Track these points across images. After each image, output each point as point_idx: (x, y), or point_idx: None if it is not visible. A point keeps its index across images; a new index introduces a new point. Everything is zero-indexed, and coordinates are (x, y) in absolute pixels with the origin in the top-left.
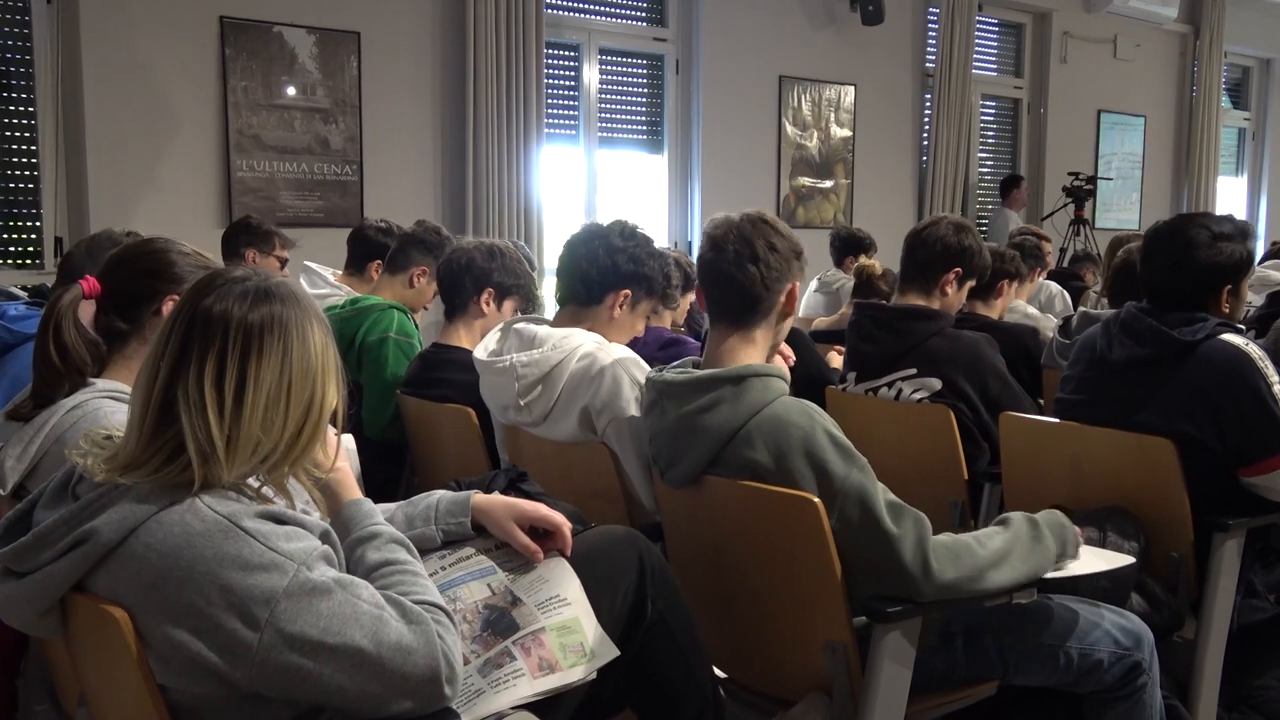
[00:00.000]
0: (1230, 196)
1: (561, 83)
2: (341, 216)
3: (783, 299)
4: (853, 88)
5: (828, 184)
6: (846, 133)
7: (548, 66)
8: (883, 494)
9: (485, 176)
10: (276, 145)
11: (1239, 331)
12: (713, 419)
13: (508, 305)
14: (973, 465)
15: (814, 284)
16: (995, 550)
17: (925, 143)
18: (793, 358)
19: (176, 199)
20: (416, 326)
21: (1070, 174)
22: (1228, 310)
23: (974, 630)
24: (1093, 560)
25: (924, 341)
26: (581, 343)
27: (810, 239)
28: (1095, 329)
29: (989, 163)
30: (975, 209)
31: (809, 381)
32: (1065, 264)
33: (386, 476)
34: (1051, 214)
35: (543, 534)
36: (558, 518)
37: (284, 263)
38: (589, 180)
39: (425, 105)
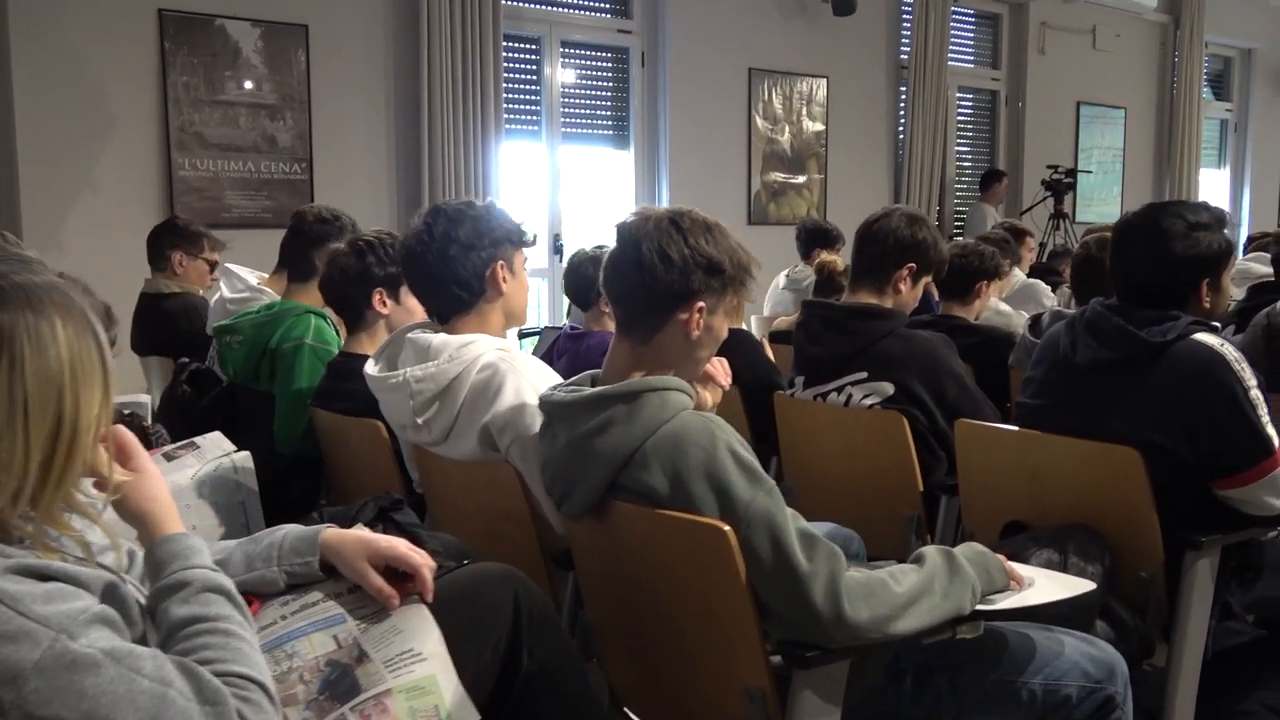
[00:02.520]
0: (1213, 189)
1: (522, 77)
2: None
3: (694, 315)
4: (825, 80)
5: (800, 179)
6: (819, 126)
7: (507, 60)
8: (793, 521)
9: (442, 174)
10: (221, 143)
11: (1213, 330)
12: (606, 442)
13: (408, 297)
14: (929, 476)
15: (782, 279)
16: (911, 587)
17: (900, 136)
18: (726, 376)
19: (114, 200)
20: (339, 333)
21: (1049, 167)
22: (1208, 306)
23: (925, 667)
24: (1049, 588)
25: (875, 343)
26: (482, 352)
27: (783, 234)
28: (1059, 327)
29: (967, 156)
30: (953, 204)
31: (758, 387)
32: (1044, 259)
33: (302, 494)
34: (1030, 208)
35: (404, 574)
36: (415, 558)
37: (213, 266)
38: (552, 177)
39: (378, 101)
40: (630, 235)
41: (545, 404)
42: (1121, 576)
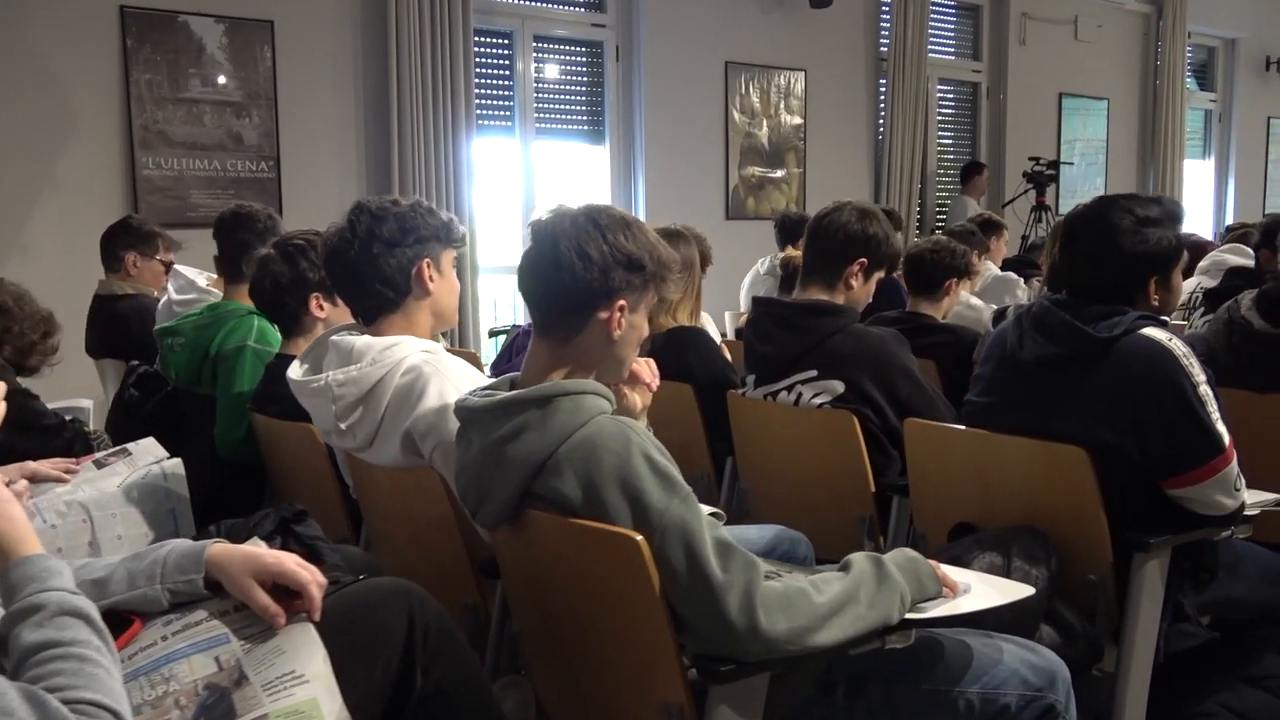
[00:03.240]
0: (1197, 180)
1: (494, 72)
2: (279, 217)
3: (616, 313)
4: (803, 73)
5: (779, 173)
6: (797, 120)
7: (479, 55)
8: (709, 529)
9: (412, 171)
10: (185, 141)
11: (1162, 325)
12: (518, 448)
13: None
14: (881, 476)
15: (763, 265)
16: (834, 597)
17: (880, 130)
18: (654, 377)
19: (77, 199)
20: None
21: (1031, 159)
22: (1157, 303)
23: (858, 677)
24: (984, 594)
25: (825, 340)
26: (407, 355)
27: (762, 230)
28: (1007, 323)
29: (948, 149)
30: (934, 197)
31: (712, 385)
32: (1026, 252)
33: (245, 500)
34: (1012, 200)
35: (295, 591)
36: (302, 574)
37: (169, 266)
38: (526, 173)
39: (346, 97)
40: (547, 234)
41: (459, 410)
42: (1070, 579)
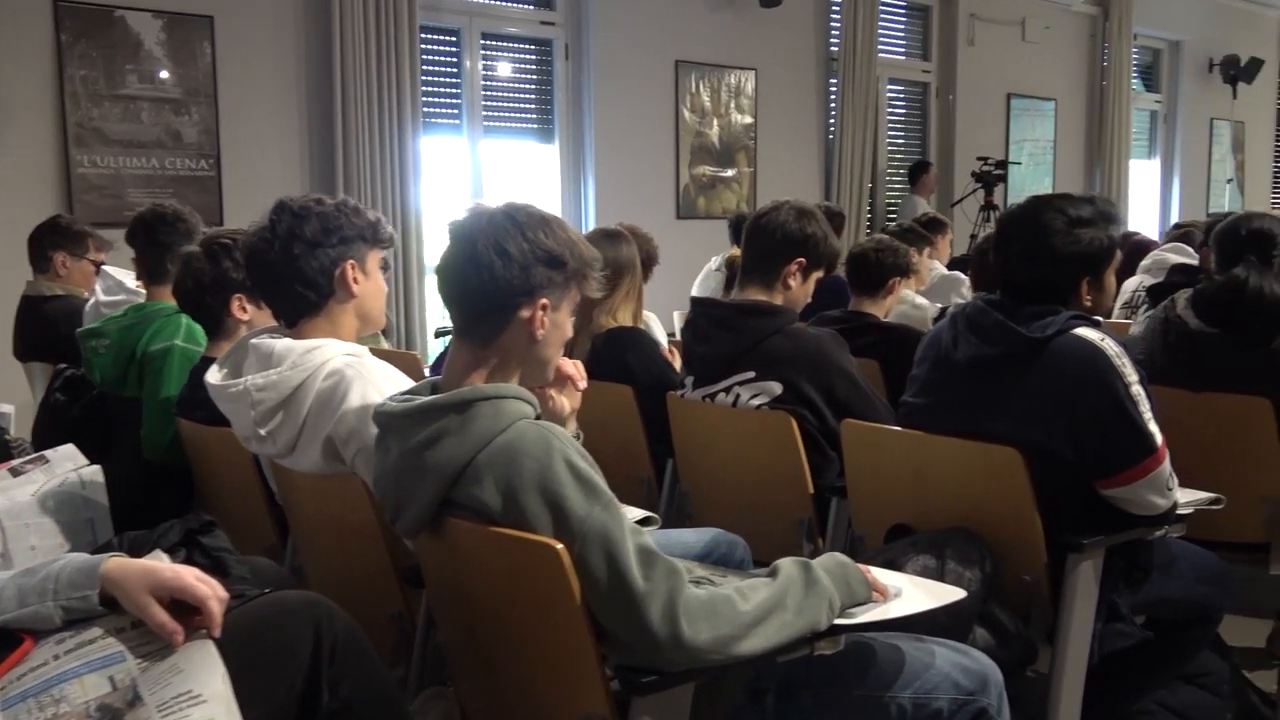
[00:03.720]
0: (1143, 180)
1: (441, 70)
2: (199, 215)
3: (538, 312)
4: (753, 73)
5: (729, 173)
6: (748, 119)
7: (426, 52)
8: (632, 537)
9: (357, 170)
10: (122, 139)
11: (1095, 325)
12: (436, 455)
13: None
14: (820, 478)
15: (715, 262)
16: (760, 604)
17: (831, 129)
18: (583, 379)
19: (9, 197)
20: None
21: (979, 159)
22: (1089, 304)
23: (788, 684)
24: (915, 598)
25: (763, 341)
26: (329, 358)
27: (713, 229)
28: (942, 323)
29: (899, 149)
30: (884, 196)
31: (653, 387)
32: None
33: (173, 506)
34: (961, 199)
35: (194, 607)
36: (201, 589)
37: (99, 266)
38: (474, 173)
39: (289, 95)
40: (464, 233)
41: (378, 415)
42: (1004, 580)
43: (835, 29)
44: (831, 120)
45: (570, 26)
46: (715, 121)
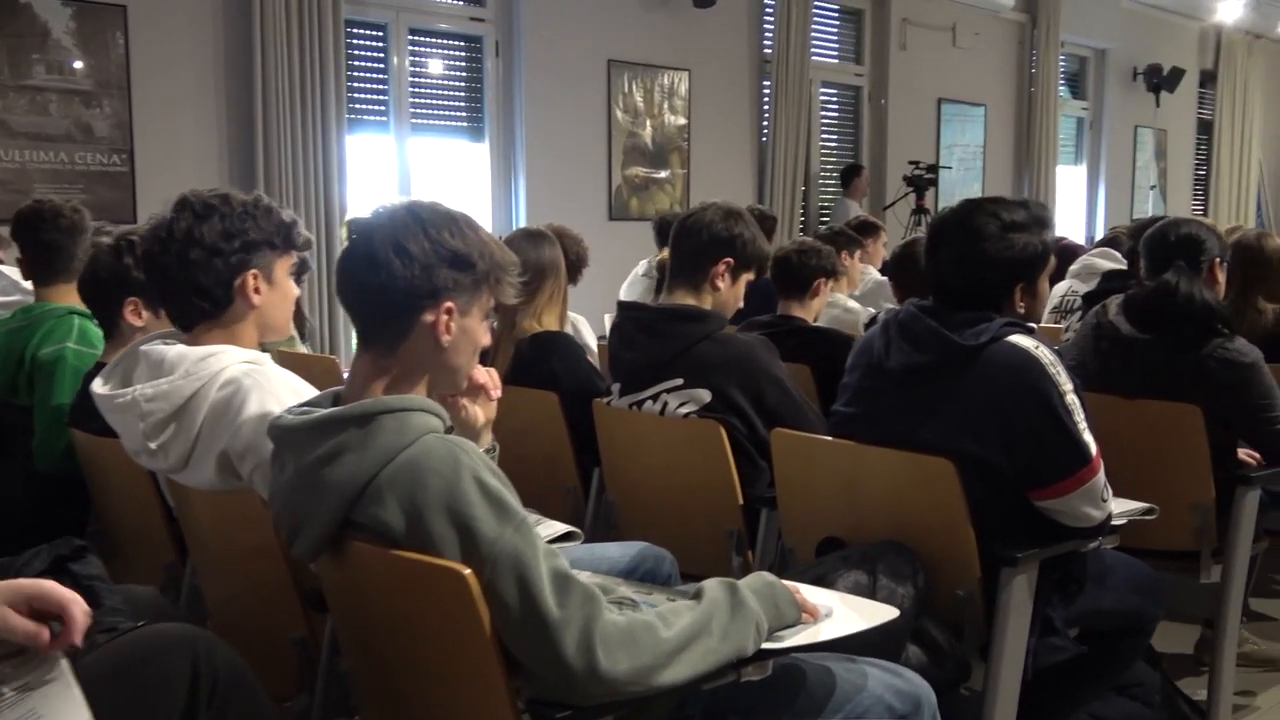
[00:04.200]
0: (1070, 185)
1: (367, 65)
2: (110, 212)
3: (442, 316)
4: (687, 73)
5: (663, 174)
6: (681, 120)
7: (351, 47)
8: (546, 560)
9: (279, 167)
10: (28, 132)
11: (1029, 332)
12: (336, 472)
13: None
14: (750, 488)
15: (642, 266)
16: (683, 631)
17: (765, 131)
18: (497, 388)
19: None
20: None
21: (911, 163)
22: (1023, 310)
23: (715, 712)
24: (846, 619)
25: (691, 347)
26: (225, 366)
27: (646, 230)
28: (874, 330)
29: (832, 152)
30: (818, 200)
31: (579, 393)
32: None
33: (69, 519)
34: (893, 203)
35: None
36: (64, 594)
37: None
38: (401, 171)
39: (207, 88)
40: (363, 231)
41: (273, 429)
42: (937, 595)
43: (768, 31)
44: (765, 122)
45: (501, 23)
46: (648, 122)
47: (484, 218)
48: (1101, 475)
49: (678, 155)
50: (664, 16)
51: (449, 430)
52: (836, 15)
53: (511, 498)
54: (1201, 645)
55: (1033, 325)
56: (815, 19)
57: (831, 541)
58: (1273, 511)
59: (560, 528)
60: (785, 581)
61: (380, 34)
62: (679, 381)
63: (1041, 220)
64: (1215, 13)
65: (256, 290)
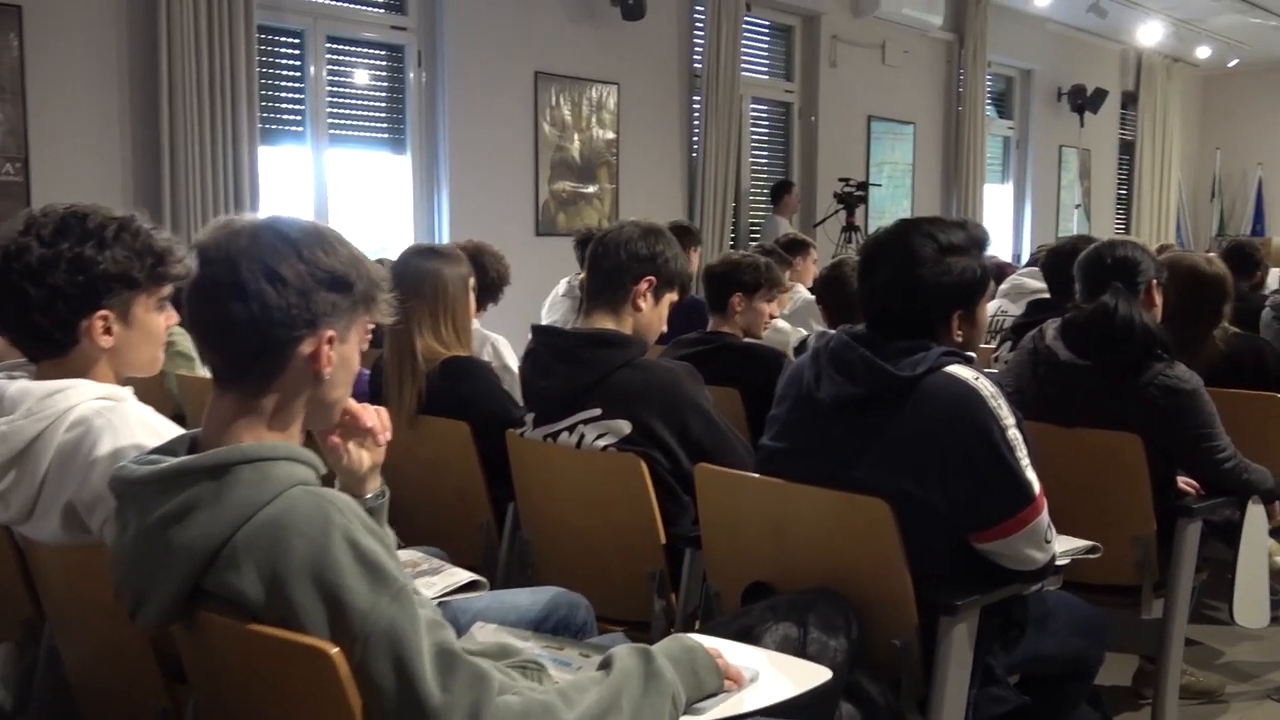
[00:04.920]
0: (997, 204)
1: (282, 74)
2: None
3: (323, 346)
4: (616, 87)
5: (591, 189)
6: (610, 135)
7: (264, 55)
8: (429, 635)
9: (186, 180)
10: None
11: (968, 361)
12: (185, 533)
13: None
14: (673, 526)
15: (562, 286)
16: (589, 709)
17: (695, 147)
18: (385, 430)
19: None
20: None
21: (841, 180)
22: (960, 338)
23: None
24: (773, 685)
25: (610, 374)
26: (74, 404)
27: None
28: (804, 359)
29: (763, 168)
30: (748, 216)
31: (492, 422)
32: None
33: None
34: (824, 220)
35: None
36: None
37: None
38: (318, 184)
39: (109, 95)
40: (220, 255)
41: (113, 481)
42: (872, 645)
43: (698, 46)
44: (695, 138)
45: (423, 32)
46: (576, 136)
47: (406, 232)
48: (1045, 515)
49: (606, 170)
50: (592, 29)
51: (328, 479)
52: (767, 31)
53: (390, 561)
54: (1140, 677)
55: (972, 355)
56: (745, 35)
57: (759, 586)
58: (1212, 540)
59: (464, 576)
60: (708, 642)
61: (296, 41)
62: (597, 412)
63: (980, 242)
64: (1135, 36)
65: (108, 332)
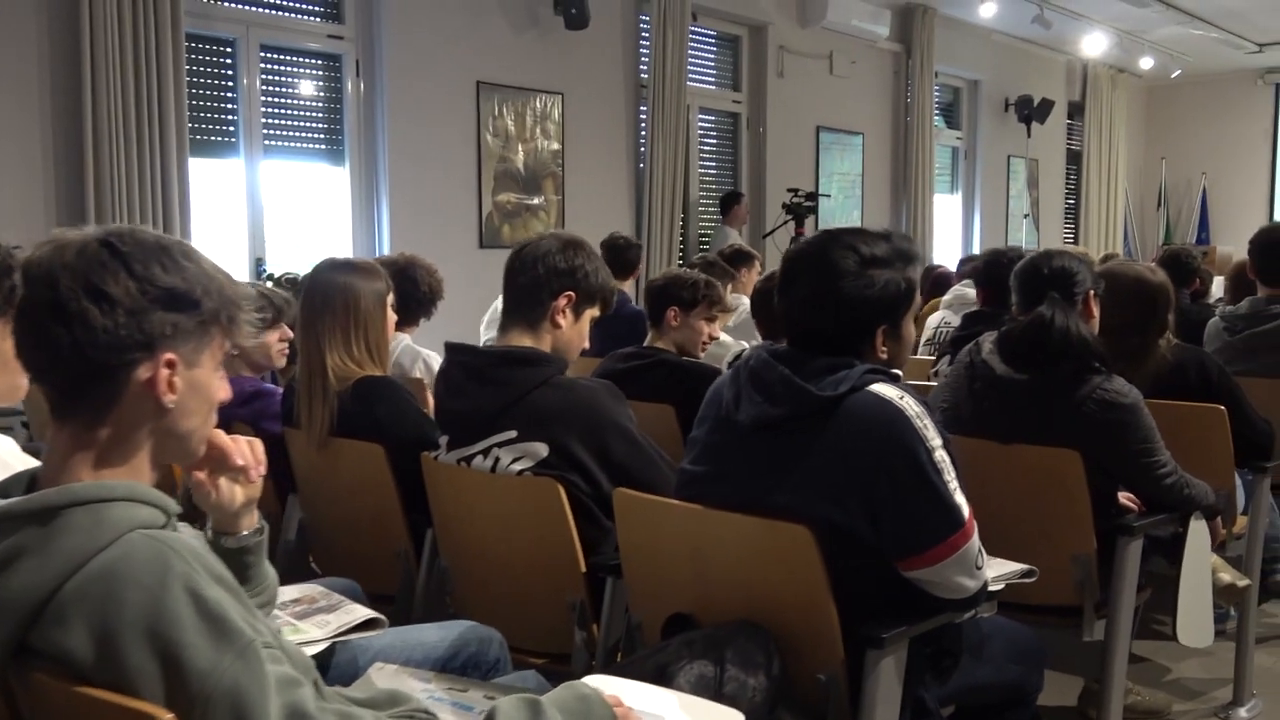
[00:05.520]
0: (946, 213)
1: (213, 83)
2: None
3: (161, 371)
4: (560, 97)
5: (536, 200)
6: (555, 145)
7: (194, 64)
8: (279, 695)
9: (111, 192)
10: None
11: (893, 380)
12: (9, 584)
13: None
14: (594, 554)
15: (500, 303)
16: None
17: (642, 158)
18: (259, 464)
19: None
20: None
21: (790, 190)
22: (885, 355)
23: None
24: None
25: (526, 394)
26: None
27: None
28: (724, 378)
29: (711, 179)
30: (697, 227)
31: (408, 444)
32: None
33: None
34: (773, 231)
35: None
36: None
37: None
38: (252, 197)
39: (30, 107)
40: (41, 273)
41: None
42: (796, 680)
43: (645, 56)
44: (642, 148)
45: (361, 41)
46: (520, 147)
47: (345, 245)
48: (976, 540)
49: (551, 181)
50: (535, 38)
51: (192, 515)
52: (714, 41)
53: (239, 615)
54: (1086, 697)
55: (897, 372)
56: (692, 44)
57: (680, 618)
58: (1154, 556)
59: (361, 614)
60: (610, 686)
61: (228, 49)
62: (513, 434)
63: (905, 254)
64: (1080, 47)
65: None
